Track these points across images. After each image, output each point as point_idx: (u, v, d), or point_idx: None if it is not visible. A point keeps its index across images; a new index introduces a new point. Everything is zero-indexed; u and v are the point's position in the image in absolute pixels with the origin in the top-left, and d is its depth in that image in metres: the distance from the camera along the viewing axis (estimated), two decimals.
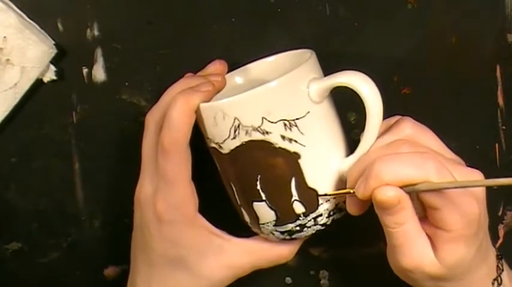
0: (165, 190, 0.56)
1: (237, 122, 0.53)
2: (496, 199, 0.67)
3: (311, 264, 0.68)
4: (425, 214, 0.53)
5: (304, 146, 0.54)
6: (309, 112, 0.54)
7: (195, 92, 0.55)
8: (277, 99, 0.53)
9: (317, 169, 0.55)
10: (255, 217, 0.57)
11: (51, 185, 0.67)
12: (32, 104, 0.65)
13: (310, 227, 0.56)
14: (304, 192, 0.55)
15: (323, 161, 0.56)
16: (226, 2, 0.64)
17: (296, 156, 0.54)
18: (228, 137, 0.54)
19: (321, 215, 0.56)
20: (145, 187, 0.57)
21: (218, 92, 0.57)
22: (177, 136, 0.54)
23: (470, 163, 0.65)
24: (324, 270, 0.68)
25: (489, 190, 0.66)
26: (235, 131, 0.53)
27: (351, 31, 0.63)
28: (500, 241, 0.67)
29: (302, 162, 0.54)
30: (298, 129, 0.54)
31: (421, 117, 0.65)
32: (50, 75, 0.64)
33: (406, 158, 0.51)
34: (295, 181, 0.55)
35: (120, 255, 0.66)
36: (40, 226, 0.68)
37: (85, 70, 0.65)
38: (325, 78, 0.55)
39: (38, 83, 0.64)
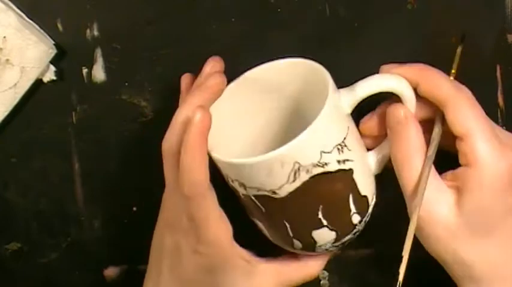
0: (196, 229, 0.55)
1: (297, 166, 0.51)
2: None
3: None
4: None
5: (353, 161, 0.54)
6: (349, 127, 0.54)
7: (200, 134, 0.53)
8: (328, 127, 0.52)
9: (364, 177, 0.56)
10: (312, 243, 0.56)
11: (51, 185, 0.67)
12: (32, 104, 0.65)
13: (360, 229, 0.57)
14: (360, 202, 0.55)
15: (366, 167, 0.56)
16: (226, 2, 0.63)
17: (351, 172, 0.54)
18: (287, 181, 0.52)
19: (368, 214, 0.57)
20: (179, 217, 0.56)
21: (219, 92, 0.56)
22: (196, 181, 0.53)
23: None
24: (324, 270, 0.68)
25: None
26: (295, 175, 0.52)
27: (351, 31, 0.63)
28: None
29: (355, 176, 0.54)
30: (347, 148, 0.53)
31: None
32: (50, 75, 0.64)
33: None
34: (352, 195, 0.55)
35: (120, 255, 0.67)
36: (40, 226, 0.68)
37: (85, 70, 0.65)
38: (354, 89, 0.54)
39: (38, 83, 0.64)
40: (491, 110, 0.65)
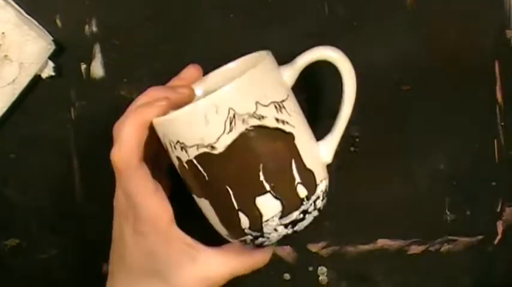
0: (132, 205, 0.55)
1: (232, 113, 0.52)
2: (495, 195, 0.67)
3: (309, 260, 0.68)
4: None
5: (294, 127, 0.54)
6: (288, 95, 0.55)
7: (148, 107, 0.55)
8: (263, 82, 0.53)
9: (308, 151, 0.55)
10: (257, 215, 0.55)
11: (50, 181, 0.67)
12: (31, 100, 0.65)
13: (310, 213, 0.56)
14: (305, 174, 0.55)
15: (309, 143, 0.56)
16: None
17: (292, 136, 0.54)
18: (224, 131, 0.52)
19: (318, 197, 0.56)
20: (119, 197, 0.57)
21: (186, 103, 0.56)
22: (125, 154, 0.54)
23: (469, 159, 0.66)
24: (323, 266, 0.68)
25: (488, 186, 0.66)
26: (231, 123, 0.52)
27: (349, 30, 0.63)
28: (499, 237, 0.67)
29: (297, 143, 0.55)
30: (286, 111, 0.54)
31: (420, 114, 0.65)
32: (48, 71, 0.64)
33: None
34: (295, 163, 0.54)
35: None
36: (39, 222, 0.68)
37: (83, 66, 0.65)
38: (294, 61, 0.57)
39: (36, 79, 0.64)
40: (490, 107, 0.65)
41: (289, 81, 0.56)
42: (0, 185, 0.67)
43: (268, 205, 0.54)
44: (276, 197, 0.54)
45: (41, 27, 0.63)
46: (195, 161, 0.54)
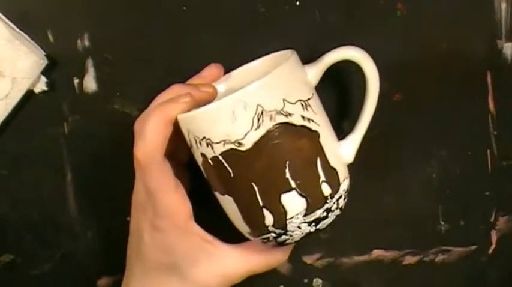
0: (152, 200, 0.56)
1: (260, 109, 0.52)
2: (489, 205, 0.67)
3: (304, 272, 0.68)
4: None
5: (319, 125, 0.55)
6: (313, 94, 0.56)
7: (172, 103, 0.55)
8: (290, 80, 0.54)
9: (332, 149, 0.56)
10: (282, 212, 0.55)
11: (43, 196, 0.67)
12: (23, 115, 0.65)
13: (333, 211, 0.56)
14: (329, 172, 0.55)
15: (333, 142, 0.57)
16: (216, 10, 0.64)
17: (317, 134, 0.55)
18: (251, 128, 0.53)
19: (341, 196, 0.56)
20: (139, 192, 0.57)
21: (208, 101, 0.57)
22: (149, 149, 0.54)
23: (462, 169, 0.66)
24: (318, 278, 0.68)
25: (482, 196, 0.66)
26: (258, 120, 0.53)
27: (341, 38, 0.63)
28: (493, 247, 0.67)
29: (322, 141, 0.55)
30: (312, 109, 0.55)
31: (412, 124, 0.65)
32: (41, 86, 0.64)
33: None
34: (320, 161, 0.55)
35: (114, 266, 0.66)
36: (32, 238, 0.67)
37: (76, 81, 0.65)
38: (319, 59, 0.57)
39: (29, 94, 0.64)
40: (482, 116, 0.65)
41: (313, 81, 0.57)
42: None
43: (293, 202, 0.54)
44: (301, 195, 0.54)
45: (33, 42, 0.63)
46: (220, 157, 0.54)
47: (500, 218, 0.67)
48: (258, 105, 0.52)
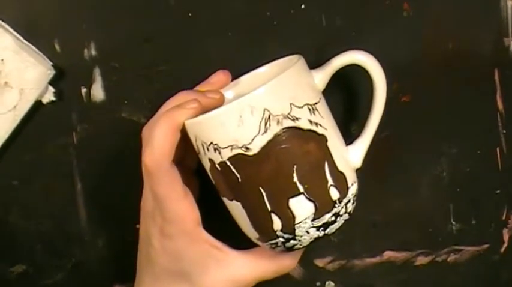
0: (160, 207, 0.56)
1: (267, 114, 0.52)
2: (500, 203, 0.67)
3: (317, 275, 0.68)
4: None
5: (326, 129, 0.55)
6: (320, 98, 0.56)
7: (180, 109, 0.55)
8: (297, 84, 0.54)
9: (339, 153, 0.56)
10: (290, 217, 0.55)
11: (54, 206, 0.67)
12: (32, 126, 0.65)
13: (341, 215, 0.56)
14: (337, 176, 0.55)
15: (341, 146, 0.57)
16: (223, 16, 0.64)
17: (324, 138, 0.55)
18: (259, 132, 0.53)
19: (349, 200, 0.56)
20: (148, 199, 0.57)
21: (215, 107, 0.56)
22: (157, 156, 0.54)
23: (472, 168, 0.66)
24: (330, 281, 0.68)
25: (492, 194, 0.66)
26: (266, 124, 0.53)
27: (348, 41, 0.63)
28: (505, 245, 0.67)
29: (329, 145, 0.55)
30: (319, 114, 0.55)
31: (421, 124, 0.65)
32: (49, 96, 0.64)
33: None
34: (328, 165, 0.55)
35: (125, 274, 0.66)
36: (44, 248, 0.67)
37: (84, 90, 0.65)
38: (326, 64, 0.57)
39: (37, 105, 0.64)
40: (491, 115, 0.65)
41: (320, 85, 0.57)
42: (4, 212, 0.67)
43: (302, 207, 0.54)
44: (309, 199, 0.54)
45: (40, 52, 0.63)
46: (228, 163, 0.54)
47: None
48: (265, 109, 0.52)
